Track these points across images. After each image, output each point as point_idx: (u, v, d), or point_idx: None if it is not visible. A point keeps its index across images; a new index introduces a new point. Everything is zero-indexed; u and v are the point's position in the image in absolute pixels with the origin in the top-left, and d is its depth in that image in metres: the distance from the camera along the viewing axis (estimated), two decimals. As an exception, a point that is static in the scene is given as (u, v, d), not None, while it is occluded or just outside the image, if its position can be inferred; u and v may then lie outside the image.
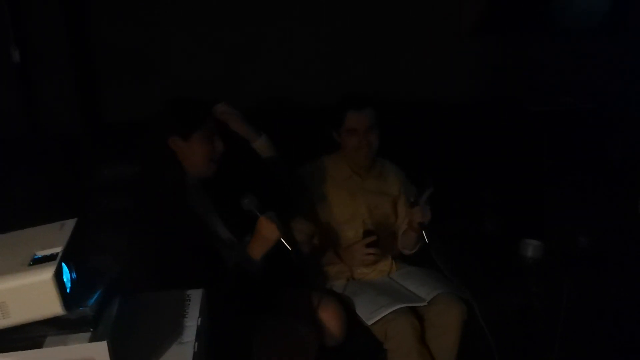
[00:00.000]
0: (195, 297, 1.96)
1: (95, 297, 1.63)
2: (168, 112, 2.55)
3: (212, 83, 3.50)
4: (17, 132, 3.17)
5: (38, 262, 1.51)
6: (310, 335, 2.60)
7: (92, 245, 1.88)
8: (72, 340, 1.53)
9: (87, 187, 3.05)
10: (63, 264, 1.52)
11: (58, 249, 1.55)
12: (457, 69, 3.98)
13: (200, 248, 2.46)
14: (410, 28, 3.89)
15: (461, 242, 3.34)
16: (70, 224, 1.72)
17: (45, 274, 1.45)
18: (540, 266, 3.16)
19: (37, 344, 1.51)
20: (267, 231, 2.46)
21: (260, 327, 2.50)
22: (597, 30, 3.95)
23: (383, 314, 2.74)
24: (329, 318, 2.71)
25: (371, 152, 3.08)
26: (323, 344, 2.69)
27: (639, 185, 3.64)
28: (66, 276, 1.54)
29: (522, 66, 4.07)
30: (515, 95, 4.04)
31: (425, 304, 2.81)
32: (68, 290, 1.53)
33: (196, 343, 1.74)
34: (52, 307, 1.48)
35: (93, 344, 1.52)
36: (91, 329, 1.56)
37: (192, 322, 1.83)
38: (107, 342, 1.52)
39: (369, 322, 2.76)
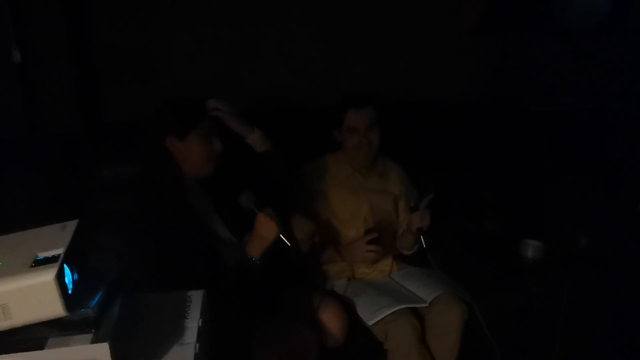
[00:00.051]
0: (196, 298, 1.96)
1: (97, 298, 1.62)
2: (164, 112, 2.55)
3: (212, 83, 3.49)
4: (17, 132, 3.17)
5: (40, 263, 1.51)
6: (311, 336, 2.60)
7: (93, 246, 1.87)
8: (74, 342, 1.53)
9: (87, 187, 3.04)
10: (65, 266, 1.52)
11: (60, 251, 1.55)
12: (457, 69, 3.98)
13: (200, 248, 2.46)
14: (410, 28, 3.89)
15: (461, 242, 3.34)
16: (71, 225, 1.72)
17: (47, 276, 1.45)
18: (540, 266, 3.17)
19: (39, 346, 1.51)
20: (266, 228, 2.46)
21: (260, 328, 2.50)
22: (597, 30, 3.93)
23: (384, 315, 2.74)
24: (330, 319, 2.72)
25: (371, 151, 3.08)
26: (324, 345, 2.69)
27: (639, 185, 3.64)
28: (68, 277, 1.54)
29: (522, 66, 4.07)
30: (515, 95, 4.04)
31: (426, 304, 2.81)
32: (70, 292, 1.53)
33: (197, 344, 1.74)
34: (54, 308, 1.48)
35: (95, 345, 1.53)
36: (93, 331, 1.56)
37: (193, 323, 1.83)
38: (109, 344, 1.53)
39: (370, 323, 2.76)
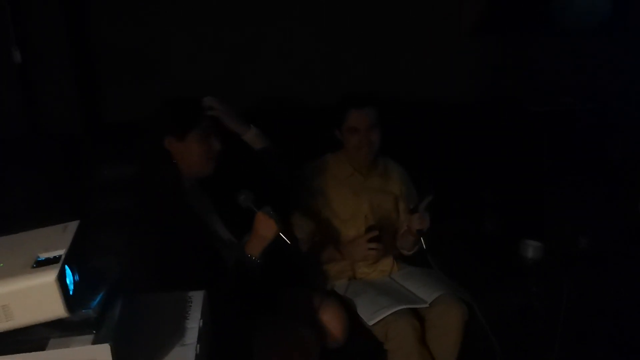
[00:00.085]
0: (197, 299, 1.96)
1: (98, 299, 1.63)
2: (163, 113, 2.55)
3: (212, 83, 3.48)
4: (17, 132, 3.16)
5: (41, 264, 1.51)
6: (311, 336, 2.60)
7: (94, 247, 1.88)
8: (75, 343, 1.53)
9: (88, 187, 3.04)
10: (66, 267, 1.52)
11: (61, 251, 1.55)
12: (457, 69, 3.98)
13: (200, 248, 2.47)
14: (410, 28, 3.89)
15: (461, 242, 3.34)
16: (72, 226, 1.72)
17: (49, 277, 1.46)
18: (541, 267, 3.17)
19: (41, 346, 1.52)
20: (265, 226, 2.46)
21: (260, 328, 2.50)
22: (597, 30, 3.93)
23: (384, 315, 2.75)
24: (331, 319, 2.71)
25: (372, 151, 3.09)
26: (324, 345, 2.69)
27: (639, 186, 3.65)
28: (69, 278, 1.54)
29: (522, 66, 4.08)
30: (515, 95, 4.05)
31: (427, 305, 2.82)
32: (71, 293, 1.53)
33: (198, 345, 1.75)
34: (56, 309, 1.48)
35: (96, 346, 1.53)
36: (94, 331, 1.56)
37: (194, 324, 1.84)
38: (110, 344, 1.53)
39: (370, 323, 2.76)
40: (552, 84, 4.06)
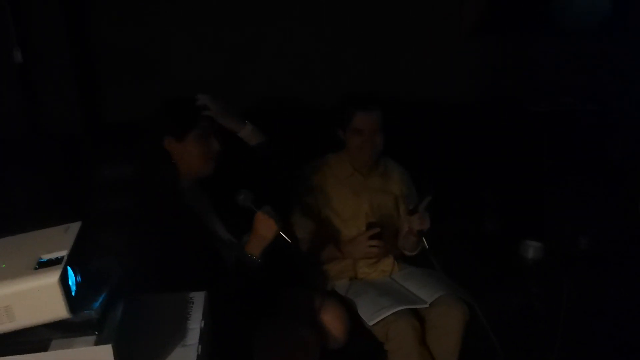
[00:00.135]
0: (198, 300, 1.96)
1: (100, 300, 1.62)
2: (162, 113, 2.55)
3: (212, 83, 3.48)
4: (18, 133, 3.17)
5: (43, 265, 1.51)
6: (312, 337, 2.61)
7: (96, 247, 1.88)
8: (77, 344, 1.53)
9: (88, 187, 3.04)
10: (68, 268, 1.52)
11: (63, 253, 1.55)
12: (457, 69, 3.99)
13: (200, 248, 2.46)
14: (410, 28, 3.90)
15: (461, 242, 3.34)
16: (74, 227, 1.72)
17: (51, 278, 1.45)
18: (541, 267, 3.17)
19: (43, 347, 1.52)
20: (265, 226, 2.46)
21: (261, 328, 2.50)
22: (597, 30, 3.94)
23: (384, 315, 2.75)
24: (332, 320, 2.72)
25: (375, 153, 3.10)
26: (325, 346, 2.69)
27: (639, 185, 3.65)
28: (71, 279, 1.54)
29: (522, 66, 4.08)
30: (515, 95, 4.05)
31: (427, 305, 2.82)
32: (73, 294, 1.53)
33: (199, 346, 1.74)
34: (58, 310, 1.48)
35: (98, 347, 1.53)
36: (96, 332, 1.56)
37: (195, 324, 1.83)
38: (112, 345, 1.53)
39: (371, 323, 2.76)
40: (552, 84, 4.06)
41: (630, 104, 3.95)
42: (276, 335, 2.53)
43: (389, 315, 2.75)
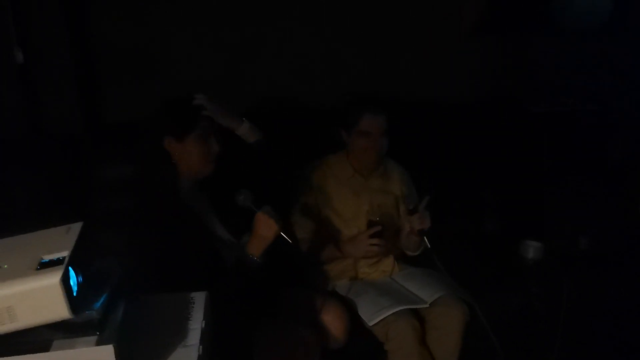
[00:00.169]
0: (199, 300, 1.96)
1: (101, 300, 1.63)
2: (162, 113, 2.54)
3: (212, 83, 3.49)
4: (18, 133, 3.16)
5: (45, 266, 1.51)
6: (312, 337, 2.61)
7: (97, 248, 1.87)
8: (79, 344, 1.53)
9: (88, 187, 3.04)
10: (70, 268, 1.52)
11: (65, 253, 1.55)
12: (457, 69, 3.99)
13: (200, 248, 2.46)
14: (410, 28, 3.90)
15: (461, 242, 3.34)
16: (76, 227, 1.72)
17: (53, 278, 1.45)
18: (541, 267, 3.17)
19: (44, 348, 1.52)
20: (265, 226, 2.46)
21: (261, 329, 2.50)
22: (597, 30, 3.94)
23: (384, 315, 2.75)
24: (332, 320, 2.72)
25: (379, 156, 3.10)
26: (325, 346, 2.69)
27: (639, 186, 3.65)
28: (73, 280, 1.54)
29: (522, 66, 4.08)
30: (515, 95, 4.05)
31: (427, 305, 2.82)
32: (75, 294, 1.53)
33: (200, 346, 1.75)
34: (59, 311, 1.48)
35: (99, 347, 1.53)
36: (97, 333, 1.56)
37: (196, 324, 1.83)
38: (114, 346, 1.53)
39: (371, 323, 2.77)
40: (552, 84, 4.07)
41: (630, 104, 3.96)
42: (276, 335, 2.53)
43: (389, 315, 2.75)
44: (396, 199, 3.22)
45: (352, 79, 3.86)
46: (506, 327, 2.85)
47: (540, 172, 3.79)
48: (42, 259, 1.54)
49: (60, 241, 1.64)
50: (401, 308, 2.77)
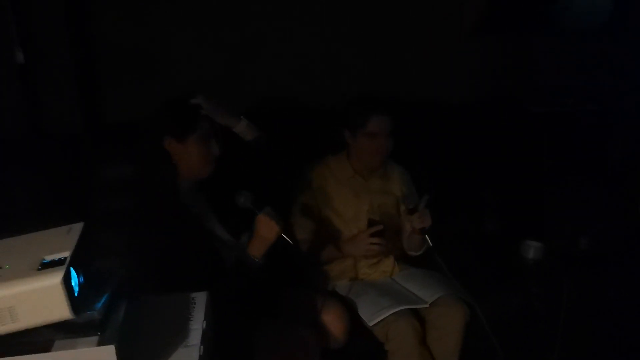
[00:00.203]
0: (200, 300, 1.96)
1: (103, 301, 1.63)
2: (164, 113, 2.54)
3: (212, 83, 3.50)
4: (18, 133, 3.16)
5: (46, 266, 1.51)
6: (312, 337, 2.61)
7: (98, 248, 1.87)
8: (80, 344, 1.53)
9: (89, 187, 3.04)
10: (71, 269, 1.52)
11: (66, 254, 1.55)
12: (457, 69, 3.99)
13: (200, 248, 2.46)
14: (410, 28, 3.90)
15: (461, 242, 3.34)
16: (77, 227, 1.73)
17: (54, 279, 1.45)
18: (541, 267, 3.17)
19: (46, 348, 1.52)
20: (267, 228, 2.46)
21: (261, 329, 2.50)
22: (597, 30, 3.95)
23: (384, 316, 2.75)
24: (332, 320, 2.72)
25: (385, 158, 3.10)
26: (325, 346, 2.69)
27: (639, 186, 3.65)
28: (74, 280, 1.54)
29: (522, 66, 4.09)
30: (515, 95, 4.06)
31: (427, 305, 2.82)
32: (76, 295, 1.53)
33: (202, 346, 1.75)
34: (61, 311, 1.48)
35: (101, 347, 1.53)
36: (99, 333, 1.56)
37: (197, 325, 1.83)
38: (115, 346, 1.53)
39: (371, 323, 2.77)
40: (552, 84, 4.07)
41: (630, 104, 3.96)
42: (277, 335, 2.54)
43: (389, 316, 2.75)
44: (396, 199, 3.21)
45: (352, 79, 3.85)
46: (506, 327, 2.85)
47: (540, 172, 3.80)
48: (44, 259, 1.55)
49: (62, 241, 1.64)
50: (401, 308, 2.78)
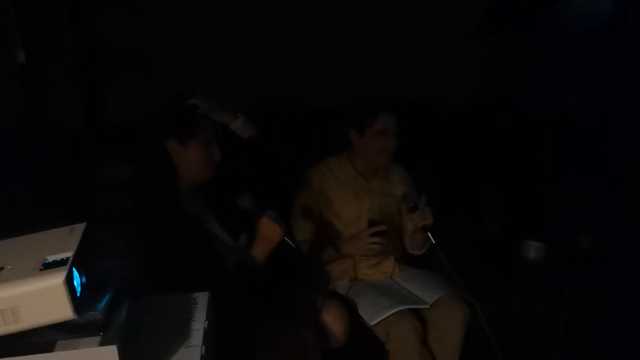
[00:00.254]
0: (201, 300, 1.96)
1: (105, 301, 1.63)
2: (167, 115, 2.52)
3: (213, 83, 3.50)
4: (19, 133, 3.16)
5: (49, 266, 1.51)
6: (312, 337, 2.61)
7: (100, 248, 1.88)
8: (83, 344, 1.53)
9: (89, 187, 3.04)
10: (74, 269, 1.52)
11: (68, 254, 1.55)
12: (458, 69, 3.99)
13: (200, 248, 2.46)
14: (411, 28, 3.90)
15: (462, 242, 3.34)
16: (79, 228, 1.72)
17: (57, 279, 1.45)
18: (541, 267, 3.17)
19: (48, 348, 1.51)
20: (270, 232, 2.46)
21: (262, 329, 2.50)
22: (597, 30, 3.95)
23: (386, 315, 2.75)
24: (333, 320, 2.72)
25: (392, 156, 3.10)
26: (326, 345, 2.69)
27: (639, 186, 3.66)
28: (76, 281, 1.54)
29: (522, 66, 4.09)
30: (515, 95, 4.06)
31: (428, 306, 2.82)
32: (78, 295, 1.53)
33: (203, 346, 1.74)
34: (63, 311, 1.48)
35: (103, 347, 1.53)
36: (101, 333, 1.56)
37: (199, 325, 1.83)
38: (117, 346, 1.53)
39: (372, 323, 2.77)
40: (552, 84, 4.07)
41: (630, 104, 3.96)
42: (277, 335, 2.53)
43: (390, 316, 2.75)
44: (397, 200, 3.22)
45: (352, 79, 3.85)
46: (506, 327, 2.85)
47: (540, 172, 3.80)
48: (46, 259, 1.54)
49: (64, 242, 1.64)
50: (402, 308, 2.77)
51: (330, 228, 3.11)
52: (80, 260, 1.57)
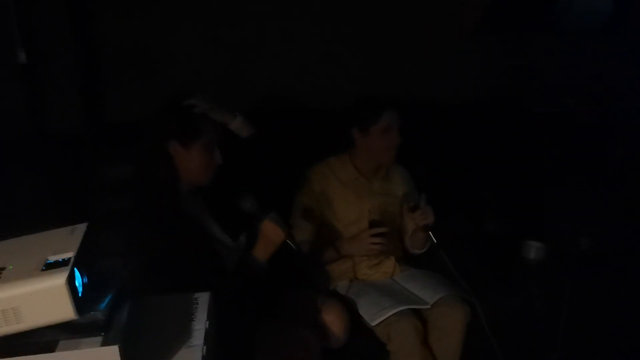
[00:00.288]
0: (202, 301, 1.96)
1: (106, 301, 1.62)
2: (171, 116, 2.51)
3: (213, 83, 3.50)
4: (20, 133, 3.16)
5: (51, 267, 1.51)
6: (313, 337, 2.61)
7: (101, 248, 1.88)
8: (84, 345, 1.53)
9: (91, 187, 3.04)
10: (75, 269, 1.52)
11: (70, 254, 1.55)
12: (458, 69, 3.99)
13: (200, 248, 2.46)
14: (411, 28, 3.90)
15: (462, 242, 3.34)
16: (81, 228, 1.72)
17: (59, 279, 1.45)
18: (542, 267, 3.17)
19: (50, 348, 1.51)
20: (272, 234, 2.47)
21: (262, 329, 2.50)
22: (597, 30, 3.95)
23: (386, 315, 2.75)
24: (333, 320, 2.72)
25: (396, 153, 3.11)
26: (327, 345, 2.69)
27: (639, 186, 3.66)
28: (78, 281, 1.54)
29: (523, 66, 4.09)
30: (515, 95, 4.06)
31: (429, 306, 2.82)
32: (80, 295, 1.53)
33: (204, 346, 1.74)
34: (65, 311, 1.48)
35: (105, 348, 1.52)
36: (102, 333, 1.56)
37: (200, 325, 1.83)
38: (119, 346, 1.53)
39: (373, 323, 2.77)
40: (552, 84, 4.07)
41: (630, 104, 3.96)
42: (277, 335, 2.54)
43: (390, 316, 2.75)
44: (398, 200, 3.21)
45: (352, 79, 3.85)
46: (507, 327, 2.85)
47: (540, 172, 3.80)
48: (48, 259, 1.54)
49: (66, 242, 1.64)
50: (403, 308, 2.78)
51: (331, 228, 3.11)
52: (81, 261, 1.57)
